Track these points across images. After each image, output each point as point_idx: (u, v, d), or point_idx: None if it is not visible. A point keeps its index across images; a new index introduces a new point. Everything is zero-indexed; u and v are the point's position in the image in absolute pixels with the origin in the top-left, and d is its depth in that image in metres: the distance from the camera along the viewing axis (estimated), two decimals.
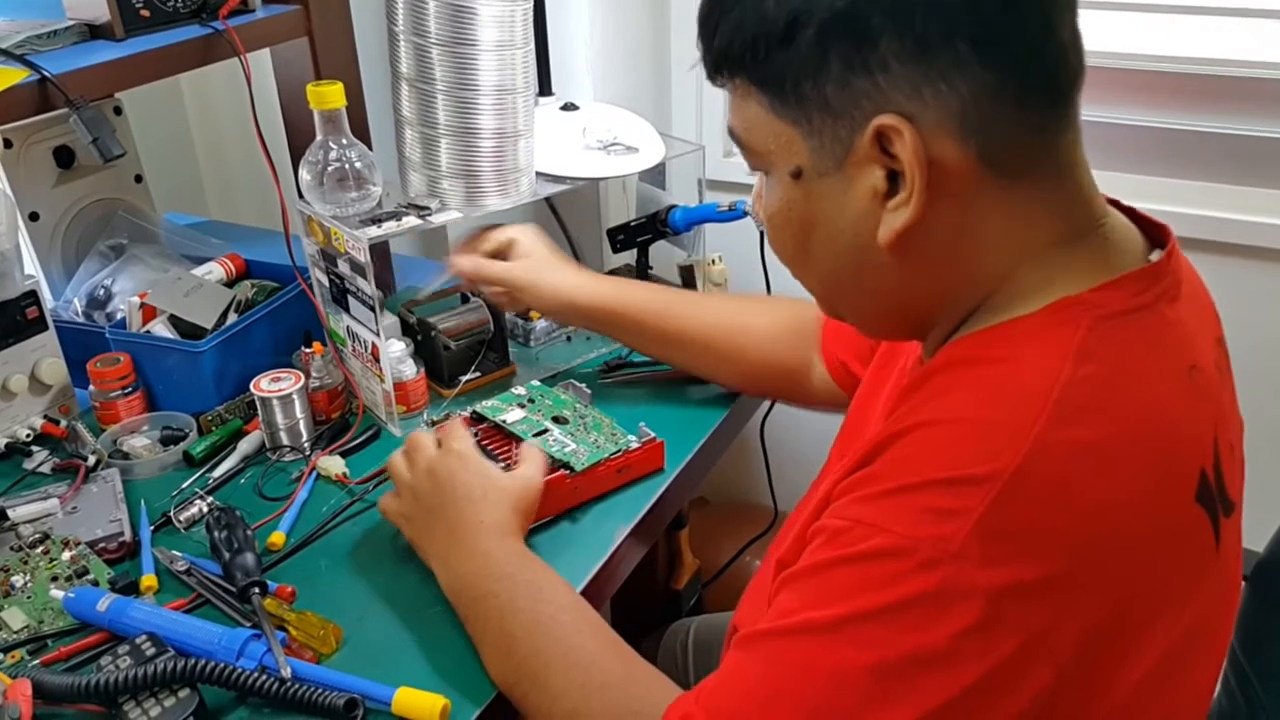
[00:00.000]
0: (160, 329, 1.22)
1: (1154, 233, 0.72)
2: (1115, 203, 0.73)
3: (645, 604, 1.60)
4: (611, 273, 1.45)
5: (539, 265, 1.18)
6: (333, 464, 1.11)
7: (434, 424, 1.11)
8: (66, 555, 0.98)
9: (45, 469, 1.13)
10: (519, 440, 1.07)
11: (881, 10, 0.60)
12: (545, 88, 1.43)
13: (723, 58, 0.67)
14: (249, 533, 0.97)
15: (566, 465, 1.03)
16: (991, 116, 0.61)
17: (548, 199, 1.48)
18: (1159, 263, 0.67)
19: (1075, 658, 0.57)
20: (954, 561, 0.56)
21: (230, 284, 1.32)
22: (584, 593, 0.96)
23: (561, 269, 1.18)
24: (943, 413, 0.63)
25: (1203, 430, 0.65)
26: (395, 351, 1.18)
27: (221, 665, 0.81)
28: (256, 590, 0.90)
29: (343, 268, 1.12)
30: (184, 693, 0.80)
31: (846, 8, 0.60)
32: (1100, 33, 1.38)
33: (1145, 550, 0.59)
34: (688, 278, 1.44)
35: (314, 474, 1.11)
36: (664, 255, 1.46)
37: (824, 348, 1.10)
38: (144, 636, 0.85)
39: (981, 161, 0.62)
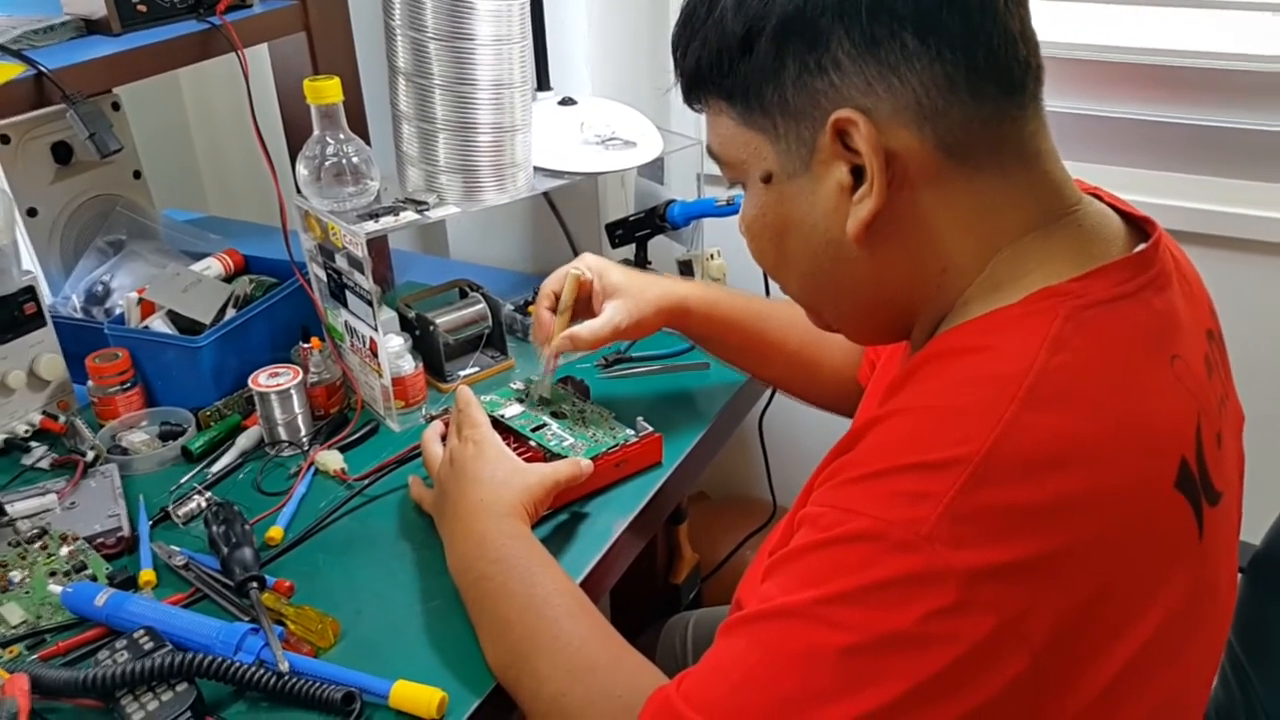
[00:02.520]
0: (159, 324, 1.22)
1: (1140, 225, 0.72)
2: (1100, 195, 0.74)
3: (644, 598, 1.60)
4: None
5: (625, 298, 1.08)
6: (331, 459, 1.11)
7: (432, 418, 1.11)
8: (65, 550, 0.98)
9: (44, 464, 1.13)
10: (518, 435, 1.08)
11: (829, 11, 0.63)
12: (543, 82, 1.43)
13: (694, 78, 0.72)
14: (247, 527, 0.97)
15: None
16: (945, 107, 0.64)
17: (546, 194, 1.48)
18: (1144, 252, 0.68)
19: (1051, 644, 0.57)
20: (926, 544, 0.56)
21: (228, 279, 1.32)
22: (583, 585, 0.96)
23: (645, 288, 1.10)
24: (917, 400, 0.64)
25: (1183, 419, 0.65)
26: (393, 346, 1.18)
27: (219, 659, 0.81)
28: (254, 585, 0.90)
29: (340, 263, 1.12)
30: (182, 687, 0.80)
31: (796, 11, 0.64)
32: (1093, 26, 1.38)
33: (1120, 534, 0.59)
34: (686, 272, 1.43)
35: (312, 469, 1.11)
36: (662, 250, 1.46)
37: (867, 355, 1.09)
38: (142, 631, 0.85)
39: (939, 151, 0.65)
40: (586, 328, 1.07)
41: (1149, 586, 0.61)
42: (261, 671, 0.81)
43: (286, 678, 0.81)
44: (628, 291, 1.09)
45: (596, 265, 1.11)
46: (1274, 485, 1.01)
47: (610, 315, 1.07)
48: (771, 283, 1.35)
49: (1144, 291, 0.66)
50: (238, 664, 0.81)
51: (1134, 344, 0.65)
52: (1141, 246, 0.69)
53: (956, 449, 0.58)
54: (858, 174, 0.66)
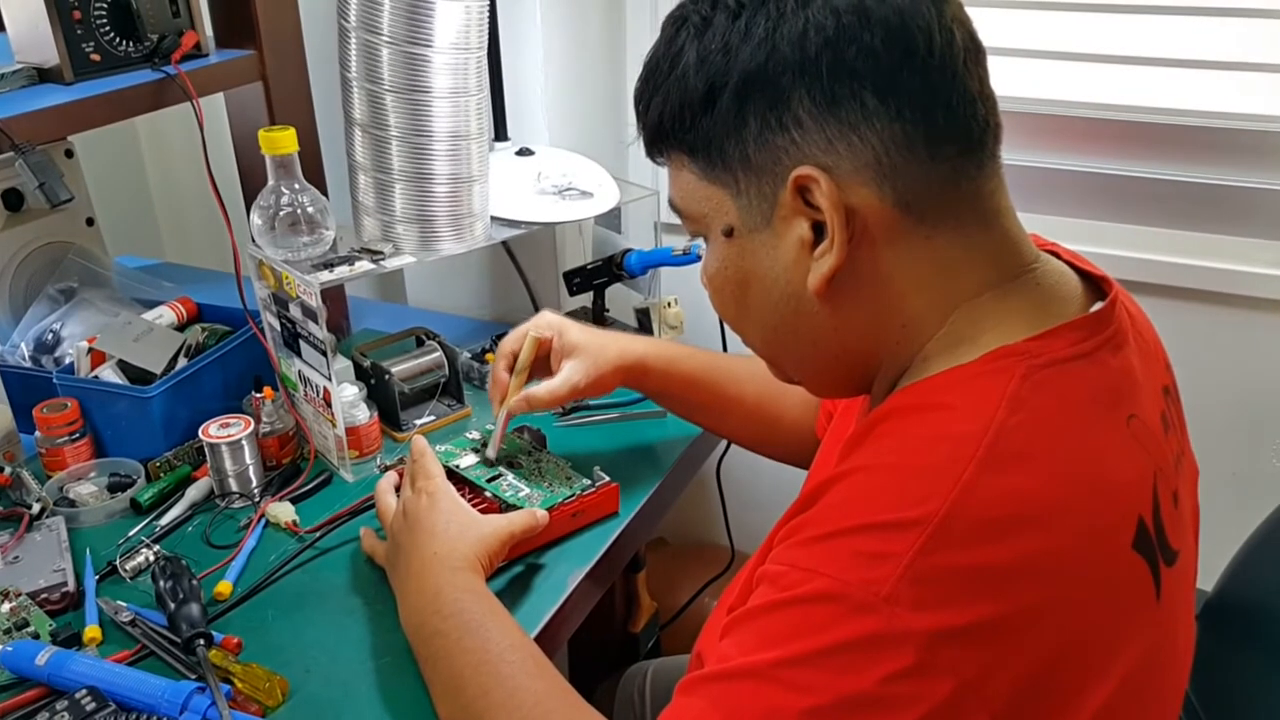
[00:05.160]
0: (109, 374, 1.20)
1: (1097, 282, 0.73)
2: (1056, 251, 0.75)
3: (602, 647, 1.59)
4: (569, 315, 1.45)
5: (584, 357, 1.08)
6: (282, 511, 1.10)
7: (387, 468, 1.10)
8: (6, 607, 0.95)
9: None
10: (473, 485, 1.07)
11: (791, 69, 0.64)
12: (500, 132, 1.43)
13: (656, 132, 0.72)
14: (195, 582, 0.96)
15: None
16: (904, 165, 0.64)
17: (504, 243, 1.48)
18: (1101, 311, 0.69)
19: (1010, 706, 0.57)
20: (886, 606, 0.56)
21: (181, 328, 1.31)
22: (539, 638, 0.95)
23: (604, 346, 1.09)
24: (875, 458, 0.64)
25: (1140, 479, 0.66)
26: (348, 396, 1.17)
27: None
28: (201, 642, 0.89)
29: (294, 312, 1.12)
30: None
31: (758, 70, 0.64)
32: (1050, 81, 1.41)
33: (1079, 596, 0.60)
34: (644, 321, 1.44)
35: (263, 521, 1.10)
36: (620, 298, 1.47)
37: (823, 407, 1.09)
38: (85, 691, 0.83)
39: (899, 208, 0.65)
40: (544, 388, 1.07)
41: (1108, 648, 0.61)
42: None
43: None
44: (586, 350, 1.09)
45: (555, 323, 1.11)
46: (1226, 533, 1.02)
47: (568, 375, 1.07)
48: (730, 333, 1.37)
49: (1100, 351, 0.67)
50: None
51: (1091, 404, 0.65)
52: (1098, 305, 0.70)
53: (916, 509, 0.58)
54: (818, 230, 0.66)
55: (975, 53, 0.66)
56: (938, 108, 0.64)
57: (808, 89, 0.64)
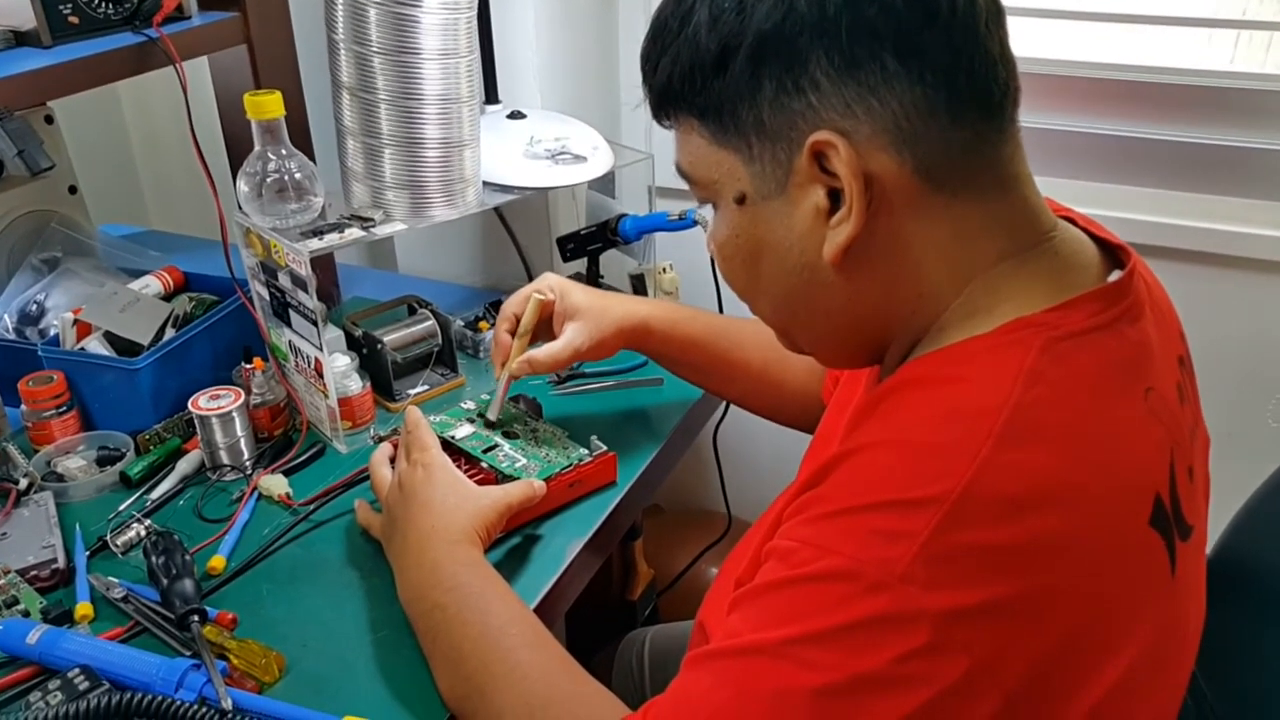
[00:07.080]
0: (95, 346, 1.18)
1: (1113, 250, 0.72)
2: (1073, 218, 0.73)
3: (600, 616, 1.58)
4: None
5: (586, 320, 1.07)
6: (275, 483, 1.08)
7: (381, 439, 1.09)
8: None
9: None
10: (469, 456, 1.05)
11: (808, 30, 0.61)
12: (491, 96, 1.41)
13: (664, 94, 0.69)
14: (188, 557, 0.94)
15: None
16: (924, 130, 0.62)
17: (496, 208, 1.46)
18: (1119, 282, 0.67)
19: (1025, 685, 0.56)
20: (900, 585, 0.55)
21: (168, 298, 1.28)
22: (538, 609, 0.94)
23: (606, 309, 1.08)
24: (890, 433, 0.63)
25: (1158, 454, 0.65)
26: (339, 366, 1.15)
27: (159, 698, 0.78)
28: (195, 618, 0.87)
29: (283, 281, 1.10)
30: None
31: (774, 30, 0.62)
32: (1058, 42, 1.39)
33: (1096, 575, 0.59)
34: (639, 286, 1.42)
35: (255, 494, 1.08)
36: (615, 264, 1.45)
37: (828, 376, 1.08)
38: (77, 669, 0.82)
39: (918, 175, 0.63)
40: (545, 351, 1.06)
41: (1123, 626, 0.60)
42: (204, 710, 0.78)
43: (229, 716, 0.78)
44: (589, 313, 1.07)
45: (558, 286, 1.09)
46: (1222, 494, 1.02)
47: (570, 338, 1.06)
48: (726, 297, 1.35)
49: (1118, 323, 0.65)
50: (179, 702, 0.78)
51: (1109, 378, 0.64)
52: (1116, 274, 0.68)
53: (931, 487, 0.57)
54: (834, 197, 0.64)
55: (996, 14, 0.64)
56: (959, 71, 0.62)
57: (826, 50, 0.61)
